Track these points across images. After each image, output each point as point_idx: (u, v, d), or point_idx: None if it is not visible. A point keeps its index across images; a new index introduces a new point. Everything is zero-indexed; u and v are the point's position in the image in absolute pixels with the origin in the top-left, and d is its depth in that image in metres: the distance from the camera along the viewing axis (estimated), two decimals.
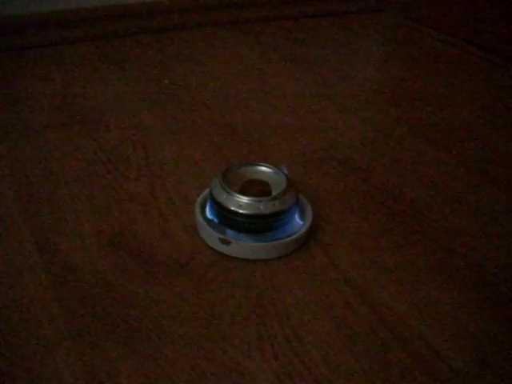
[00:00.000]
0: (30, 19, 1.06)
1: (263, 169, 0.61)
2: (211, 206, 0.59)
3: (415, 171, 0.75)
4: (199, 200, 0.61)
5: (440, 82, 1.05)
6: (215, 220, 0.58)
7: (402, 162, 0.77)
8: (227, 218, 0.57)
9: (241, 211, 0.55)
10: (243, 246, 0.56)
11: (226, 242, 0.56)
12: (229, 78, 1.01)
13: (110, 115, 0.85)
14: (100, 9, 1.12)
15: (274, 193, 0.57)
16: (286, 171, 0.61)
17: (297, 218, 0.59)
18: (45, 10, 1.07)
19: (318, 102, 0.94)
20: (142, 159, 0.74)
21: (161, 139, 0.79)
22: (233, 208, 0.55)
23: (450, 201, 0.69)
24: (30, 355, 0.46)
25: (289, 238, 0.57)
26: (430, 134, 0.85)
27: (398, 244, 0.61)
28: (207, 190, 0.61)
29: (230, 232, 0.57)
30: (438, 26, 1.32)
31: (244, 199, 0.56)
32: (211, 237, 0.57)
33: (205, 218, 0.59)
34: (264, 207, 0.55)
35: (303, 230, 0.58)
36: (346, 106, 0.93)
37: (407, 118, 0.90)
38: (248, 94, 0.95)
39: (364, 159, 0.77)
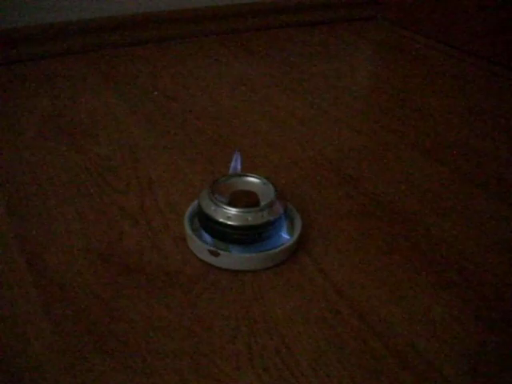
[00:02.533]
0: (18, 33, 1.06)
1: (251, 179, 0.61)
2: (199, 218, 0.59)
3: (405, 179, 0.75)
4: (188, 212, 0.61)
5: (430, 90, 1.05)
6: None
7: (391, 170, 0.77)
8: (216, 230, 0.57)
9: (229, 223, 0.55)
10: (232, 258, 0.56)
11: (215, 254, 0.56)
12: (218, 88, 1.01)
13: (99, 128, 0.85)
14: (88, 21, 1.12)
15: (262, 203, 0.57)
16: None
17: (286, 229, 0.59)
18: (32, 23, 1.07)
19: (308, 111, 0.94)
20: (132, 171, 0.73)
21: (150, 151, 0.79)
22: (221, 220, 0.55)
23: (441, 209, 0.69)
24: (18, 371, 0.46)
25: (278, 249, 0.57)
26: (420, 141, 0.85)
27: (388, 253, 0.61)
28: (196, 202, 0.61)
29: (219, 243, 0.57)
30: (429, 33, 1.33)
31: (232, 210, 0.56)
32: (200, 248, 0.57)
33: (194, 229, 0.59)
34: (252, 218, 0.55)
35: (292, 240, 0.58)
36: (336, 115, 0.93)
37: (397, 125, 0.90)
38: (238, 104, 0.95)
39: (353, 168, 0.77)
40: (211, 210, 0.56)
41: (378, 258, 0.60)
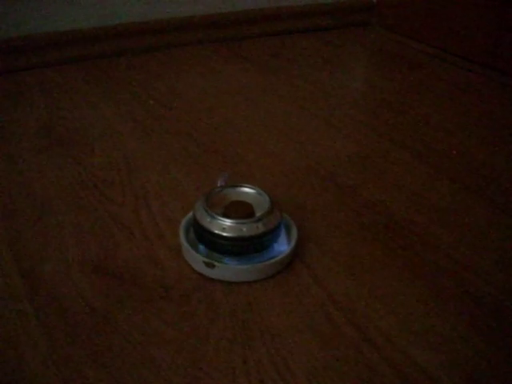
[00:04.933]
0: (12, 43, 1.06)
1: (246, 190, 0.61)
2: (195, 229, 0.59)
3: (401, 186, 0.75)
4: (183, 223, 0.61)
5: (427, 96, 1.05)
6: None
7: (387, 177, 0.77)
8: (211, 241, 0.56)
9: (224, 234, 0.55)
10: (228, 269, 0.56)
11: (210, 265, 0.56)
12: (213, 96, 1.01)
13: (94, 138, 0.85)
14: (83, 31, 1.13)
15: (257, 214, 0.57)
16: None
17: (281, 239, 0.59)
18: (26, 33, 1.07)
19: (303, 118, 0.94)
20: (127, 182, 0.73)
21: (145, 161, 0.79)
22: (216, 231, 0.55)
23: (438, 217, 0.69)
24: None
25: (273, 260, 0.57)
26: (415, 147, 0.85)
27: (385, 262, 0.61)
28: (191, 213, 0.61)
29: (214, 255, 0.57)
30: (424, 39, 1.33)
31: (227, 222, 0.55)
32: (196, 260, 0.57)
33: (189, 240, 0.59)
34: (247, 229, 0.55)
35: (288, 250, 0.58)
36: (331, 122, 0.93)
37: (392, 132, 0.90)
38: (233, 112, 0.95)
39: (349, 175, 0.77)
40: (206, 221, 0.56)
41: (375, 268, 0.60)
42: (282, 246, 0.59)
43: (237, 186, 0.62)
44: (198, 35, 1.26)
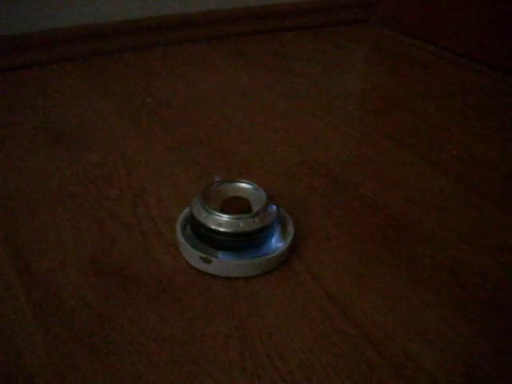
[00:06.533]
0: (10, 41, 1.06)
1: (243, 185, 0.61)
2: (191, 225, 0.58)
3: (398, 183, 0.75)
4: (180, 218, 0.61)
5: (423, 92, 1.05)
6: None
7: (385, 175, 0.77)
8: (208, 237, 0.56)
9: (221, 229, 0.55)
10: (224, 264, 0.56)
11: (207, 261, 0.56)
12: (211, 93, 1.01)
13: (91, 135, 0.84)
14: (80, 29, 1.12)
15: (254, 209, 0.57)
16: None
17: (278, 235, 0.59)
18: (24, 31, 1.07)
19: (301, 116, 0.94)
20: (124, 179, 0.73)
21: (142, 158, 0.79)
22: (213, 226, 0.55)
23: (435, 213, 0.69)
24: (9, 381, 0.45)
25: (270, 255, 0.57)
26: (414, 145, 0.85)
27: (382, 258, 0.61)
28: (188, 209, 0.60)
29: (211, 250, 0.57)
30: (421, 36, 1.33)
31: (224, 217, 0.55)
32: (192, 255, 0.57)
33: (186, 236, 0.59)
34: (244, 225, 0.55)
35: (285, 246, 0.58)
36: (329, 119, 0.93)
37: (390, 129, 0.90)
38: (230, 110, 0.95)
39: (347, 172, 0.77)
40: (203, 216, 0.56)
41: (372, 264, 0.60)
42: (279, 242, 0.59)
43: (234, 182, 0.61)
44: (196, 32, 1.26)
